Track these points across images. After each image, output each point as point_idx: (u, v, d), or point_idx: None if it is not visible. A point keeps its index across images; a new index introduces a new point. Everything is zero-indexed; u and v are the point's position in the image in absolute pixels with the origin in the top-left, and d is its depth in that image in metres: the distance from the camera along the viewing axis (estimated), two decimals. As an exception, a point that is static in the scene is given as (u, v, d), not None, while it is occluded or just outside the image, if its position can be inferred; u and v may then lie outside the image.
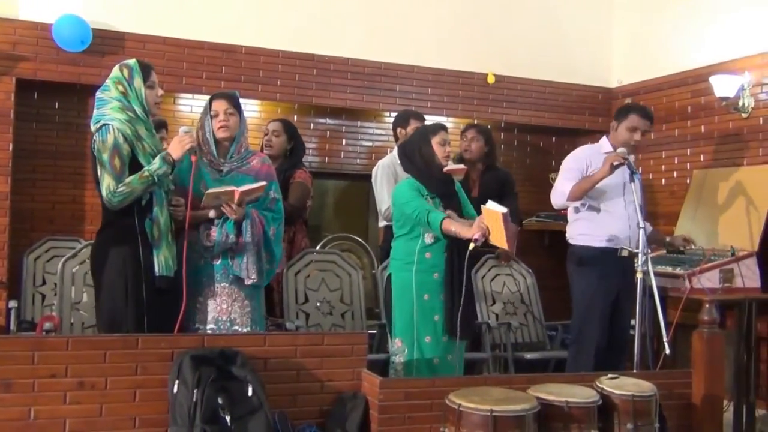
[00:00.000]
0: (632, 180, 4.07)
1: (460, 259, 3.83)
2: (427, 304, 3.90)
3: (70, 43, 5.07)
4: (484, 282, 5.27)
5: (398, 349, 3.92)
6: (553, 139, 6.89)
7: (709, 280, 4.48)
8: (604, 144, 4.47)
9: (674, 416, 3.44)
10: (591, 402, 3.04)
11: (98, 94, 3.47)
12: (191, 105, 5.78)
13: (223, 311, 3.56)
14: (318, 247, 5.47)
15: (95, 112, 3.42)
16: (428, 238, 3.92)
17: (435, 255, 3.91)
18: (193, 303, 3.56)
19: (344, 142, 6.33)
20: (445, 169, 3.99)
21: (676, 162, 6.06)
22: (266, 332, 3.52)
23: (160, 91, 3.56)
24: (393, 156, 5.10)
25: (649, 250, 4.05)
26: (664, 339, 3.80)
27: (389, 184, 4.82)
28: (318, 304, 4.81)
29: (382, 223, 5.11)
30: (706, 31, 5.79)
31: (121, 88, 3.43)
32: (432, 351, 3.88)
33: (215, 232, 3.54)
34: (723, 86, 5.37)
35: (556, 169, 4.97)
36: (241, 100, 3.78)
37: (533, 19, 6.45)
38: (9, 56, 5.04)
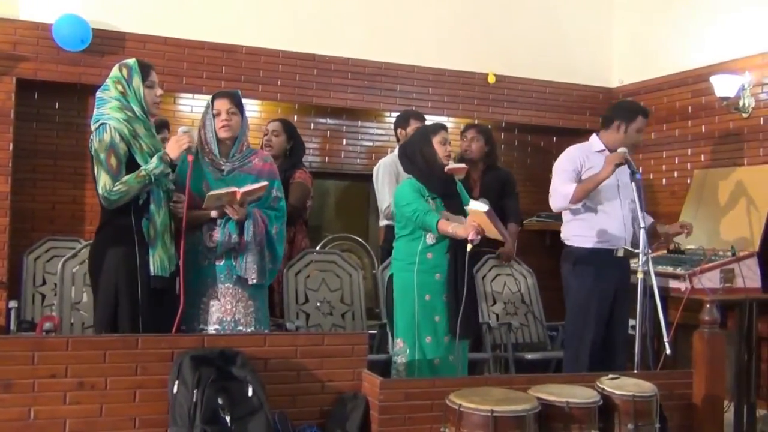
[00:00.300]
0: (633, 180, 4.06)
1: (462, 259, 3.83)
2: (429, 305, 3.90)
3: (70, 42, 5.07)
4: (484, 282, 5.27)
5: (400, 350, 3.92)
6: (554, 139, 6.89)
7: (710, 280, 4.48)
8: (595, 143, 4.42)
9: (675, 416, 3.44)
10: (592, 402, 3.04)
11: (98, 93, 3.48)
12: (192, 105, 5.79)
13: (228, 312, 3.56)
14: (318, 247, 5.47)
15: (95, 111, 3.44)
16: (430, 239, 3.92)
17: (437, 255, 3.91)
18: (197, 304, 3.56)
19: (344, 141, 6.32)
20: (446, 168, 3.99)
21: (676, 162, 6.05)
22: (266, 332, 3.52)
23: (160, 91, 3.56)
24: (395, 155, 5.10)
25: (650, 250, 4.04)
26: (665, 339, 3.79)
27: (391, 182, 4.83)
28: (318, 305, 4.80)
29: (382, 223, 5.11)
30: (707, 31, 5.79)
31: (120, 87, 3.43)
32: (433, 351, 3.88)
33: (218, 233, 3.54)
34: (723, 86, 5.36)
35: (557, 170, 4.94)
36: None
37: (534, 18, 6.44)
38: (9, 56, 5.04)
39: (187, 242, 3.63)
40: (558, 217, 4.54)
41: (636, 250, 4.05)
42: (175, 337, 3.19)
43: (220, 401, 2.89)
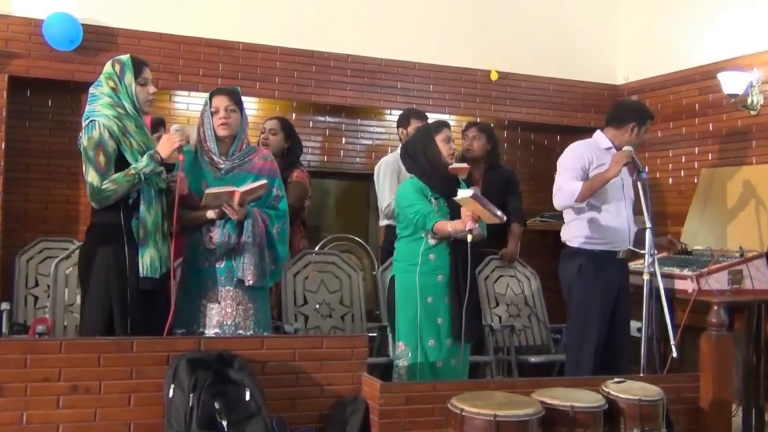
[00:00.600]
0: (639, 179, 4.06)
1: (464, 260, 3.83)
2: (431, 307, 3.90)
3: (59, 42, 5.06)
4: (487, 284, 5.27)
5: (401, 353, 3.92)
6: (558, 137, 6.89)
7: (718, 281, 4.47)
8: (601, 140, 4.39)
9: (682, 421, 3.44)
10: (597, 406, 3.04)
11: (91, 89, 3.48)
12: (187, 102, 5.78)
13: (228, 315, 3.55)
14: (317, 248, 5.47)
15: (87, 107, 3.44)
16: (432, 240, 3.92)
17: (439, 257, 3.92)
18: (197, 307, 3.56)
19: (344, 140, 6.32)
20: (450, 167, 3.99)
21: (683, 161, 6.05)
22: (264, 335, 3.51)
23: (153, 89, 3.55)
24: (396, 153, 5.10)
25: (656, 251, 4.04)
26: (672, 342, 3.79)
27: (392, 181, 4.83)
28: (317, 307, 4.80)
29: (383, 223, 5.11)
30: (714, 27, 5.79)
31: (111, 83, 3.43)
32: (436, 354, 3.88)
33: (218, 234, 3.53)
34: (731, 83, 5.36)
35: (561, 168, 4.94)
36: (240, 97, 3.78)
37: (537, 14, 6.44)
38: (1, 53, 5.04)
39: (187, 243, 3.63)
40: (562, 218, 4.53)
41: (642, 251, 4.05)
42: (170, 339, 3.19)
43: (216, 405, 2.89)
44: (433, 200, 3.94)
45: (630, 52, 6.64)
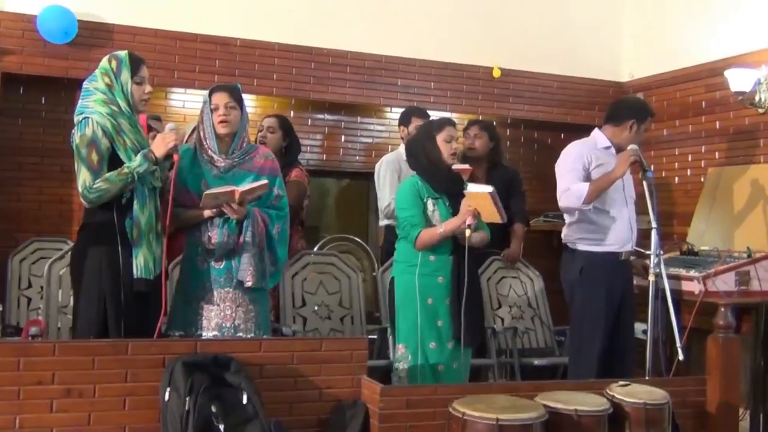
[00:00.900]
0: (644, 178, 4.06)
1: (465, 262, 3.83)
2: (431, 309, 3.90)
3: (55, 35, 5.07)
4: (489, 285, 5.27)
5: (401, 356, 3.92)
6: (562, 135, 6.88)
7: (725, 282, 4.47)
8: (600, 138, 4.37)
9: (688, 425, 3.44)
10: (601, 410, 3.04)
11: (85, 84, 3.46)
12: (183, 100, 5.79)
13: (227, 318, 3.54)
14: (316, 249, 5.47)
15: (79, 102, 3.42)
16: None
17: (439, 258, 3.91)
18: (193, 308, 3.55)
19: (343, 138, 6.32)
20: (452, 167, 3.98)
21: (689, 159, 6.06)
22: (262, 337, 3.52)
23: (149, 88, 3.54)
24: (397, 152, 5.11)
25: (662, 252, 4.04)
26: (678, 344, 3.79)
27: (393, 180, 4.83)
28: (316, 308, 4.80)
29: (383, 222, 5.11)
30: (722, 23, 5.79)
31: (107, 79, 3.42)
32: (437, 358, 3.88)
33: (217, 234, 3.53)
34: (739, 80, 5.36)
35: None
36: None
37: (540, 9, 6.45)
38: (-7, 49, 5.05)
39: (186, 243, 3.63)
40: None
41: (648, 252, 4.06)
42: (166, 342, 3.20)
43: (213, 409, 2.89)
44: (430, 201, 3.92)
45: (635, 49, 6.64)
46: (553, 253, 6.37)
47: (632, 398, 3.14)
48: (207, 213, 3.51)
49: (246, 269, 3.52)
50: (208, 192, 3.43)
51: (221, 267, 3.56)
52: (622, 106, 4.54)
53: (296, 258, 4.81)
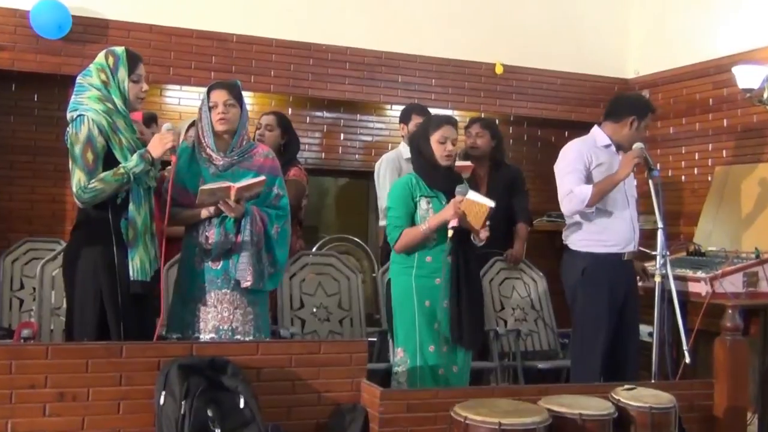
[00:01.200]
0: (650, 177, 4.06)
1: (465, 263, 3.83)
2: (429, 311, 3.87)
3: (48, 29, 5.07)
4: (492, 286, 5.27)
5: (400, 360, 3.91)
6: (566, 133, 6.87)
7: (732, 284, 4.47)
8: (600, 136, 4.35)
9: (695, 429, 3.44)
10: (606, 414, 3.04)
11: (78, 78, 3.45)
12: (179, 97, 5.79)
13: (225, 320, 3.54)
14: (314, 249, 5.47)
15: (72, 98, 3.41)
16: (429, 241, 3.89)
17: (436, 259, 3.88)
18: (190, 310, 3.55)
19: (342, 136, 6.32)
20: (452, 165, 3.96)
21: (696, 158, 6.06)
22: (259, 340, 3.51)
23: (145, 86, 3.54)
24: (398, 150, 5.11)
25: (668, 253, 4.05)
26: (684, 347, 3.80)
27: (393, 179, 4.83)
28: (314, 310, 4.80)
29: (383, 222, 5.09)
30: (729, 19, 5.79)
31: (103, 76, 3.41)
32: (436, 360, 3.86)
33: (214, 234, 3.52)
34: (746, 77, 5.36)
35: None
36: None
37: (544, 4, 6.45)
38: (-15, 45, 5.05)
39: (183, 244, 3.62)
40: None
41: (653, 252, 4.06)
42: (161, 344, 3.19)
43: (209, 413, 2.89)
44: (425, 200, 3.88)
45: (641, 45, 6.64)
46: (557, 254, 6.35)
47: (638, 402, 3.14)
48: (205, 213, 3.51)
49: (244, 269, 3.51)
50: (203, 188, 3.42)
51: (218, 267, 3.55)
52: (621, 102, 4.51)
53: (294, 259, 4.81)
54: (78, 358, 2.98)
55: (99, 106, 3.35)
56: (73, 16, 5.14)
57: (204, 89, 3.72)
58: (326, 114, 6.28)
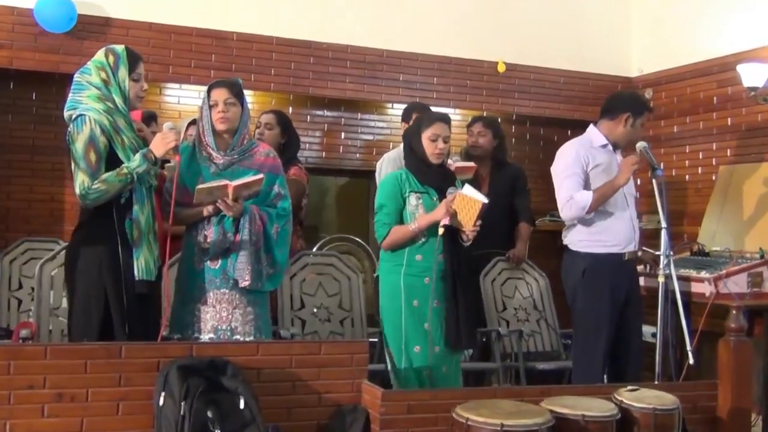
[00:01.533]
0: (654, 176, 4.06)
1: (457, 263, 3.81)
2: (417, 311, 3.82)
3: (56, 22, 5.04)
4: (494, 286, 5.27)
5: (389, 360, 3.88)
6: (569, 132, 6.87)
7: (737, 284, 4.47)
8: (596, 136, 4.34)
9: (699, 431, 3.44)
10: (609, 416, 3.04)
11: (76, 76, 3.44)
12: (179, 96, 5.79)
13: (223, 320, 3.54)
14: (315, 249, 5.47)
15: (70, 96, 3.40)
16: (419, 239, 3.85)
17: (427, 258, 3.83)
18: (189, 310, 3.56)
19: (343, 135, 6.33)
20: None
21: (700, 157, 6.06)
22: (259, 341, 3.52)
23: (145, 85, 3.54)
24: (399, 149, 5.09)
25: (672, 253, 4.05)
26: (688, 348, 3.79)
27: (394, 179, 4.83)
28: (315, 311, 4.80)
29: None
30: (733, 16, 5.79)
31: (103, 74, 3.40)
32: (422, 361, 3.80)
33: (213, 233, 3.53)
34: (751, 75, 5.36)
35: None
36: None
37: (547, 3, 6.45)
38: (-17, 43, 5.06)
39: (183, 244, 3.63)
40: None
41: (657, 252, 4.06)
42: (161, 345, 3.20)
43: (209, 414, 2.89)
44: (414, 196, 3.84)
45: (645, 43, 6.64)
46: (559, 254, 6.32)
47: (641, 403, 3.14)
48: (205, 213, 3.51)
49: (242, 269, 3.51)
50: (200, 186, 3.41)
51: (217, 267, 3.55)
52: (616, 99, 4.51)
53: (295, 259, 4.81)
54: (77, 358, 2.99)
55: (99, 106, 3.35)
56: (74, 11, 5.16)
57: (204, 88, 3.73)
58: (327, 113, 6.29)
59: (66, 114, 3.38)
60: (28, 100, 5.52)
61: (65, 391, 2.96)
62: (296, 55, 5.75)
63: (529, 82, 6.41)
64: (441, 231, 3.72)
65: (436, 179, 3.89)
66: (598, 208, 4.20)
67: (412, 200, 3.86)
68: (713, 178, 5.82)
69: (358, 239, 5.90)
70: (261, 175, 3.54)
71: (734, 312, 3.62)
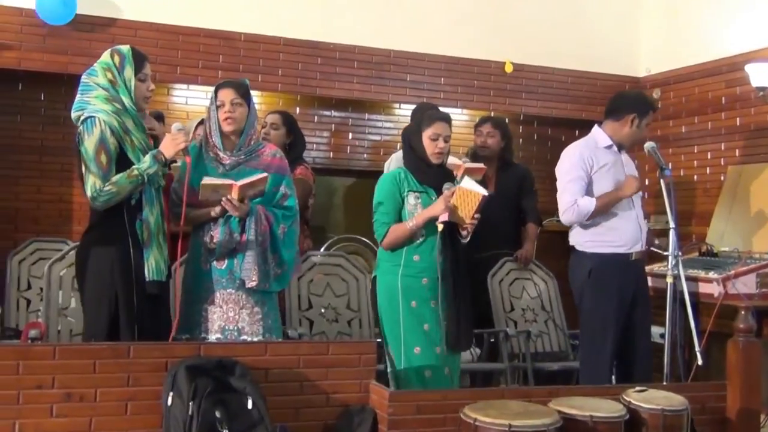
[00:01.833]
0: (662, 176, 4.06)
1: (456, 263, 3.79)
2: (416, 312, 3.80)
3: (57, 14, 5.03)
4: (501, 287, 5.26)
5: (388, 361, 3.86)
6: (576, 132, 6.85)
7: (745, 284, 4.46)
8: (601, 137, 4.34)
9: (707, 432, 3.44)
10: (617, 417, 3.03)
11: (84, 78, 3.44)
12: (186, 96, 5.80)
13: (230, 320, 3.55)
14: (322, 250, 5.48)
15: (78, 97, 3.41)
16: (417, 238, 3.83)
17: (424, 258, 3.81)
18: (197, 310, 3.56)
19: (351, 136, 6.33)
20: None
21: (709, 157, 6.04)
22: (267, 341, 3.52)
23: (152, 85, 3.54)
24: (406, 149, 5.10)
25: (680, 253, 4.04)
26: (697, 348, 3.79)
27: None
28: (323, 311, 4.81)
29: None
30: (742, 16, 5.77)
31: (109, 75, 3.41)
32: (422, 363, 3.78)
33: (219, 233, 3.53)
34: (760, 75, 5.35)
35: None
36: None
37: (554, 3, 6.44)
38: (-9, 45, 5.08)
39: (190, 244, 3.63)
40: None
41: (665, 253, 4.05)
42: (169, 345, 3.20)
43: (217, 414, 2.90)
44: (413, 195, 3.82)
45: (652, 43, 6.63)
46: (567, 254, 6.34)
47: (649, 404, 3.14)
48: (213, 213, 3.52)
49: (249, 269, 3.52)
50: (205, 182, 3.41)
51: (223, 267, 3.57)
52: (622, 99, 4.49)
53: (302, 259, 4.81)
54: (85, 358, 3.00)
55: (108, 107, 3.36)
56: (80, 15, 5.16)
57: (211, 88, 3.74)
58: (334, 113, 6.29)
59: (74, 115, 3.39)
60: (37, 101, 5.53)
61: (74, 391, 2.97)
62: (303, 55, 5.75)
63: (536, 82, 6.40)
64: (440, 227, 3.69)
65: (436, 179, 3.85)
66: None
67: (411, 200, 3.83)
68: (722, 178, 5.80)
69: (365, 239, 5.90)
70: (265, 174, 3.54)
71: (743, 312, 3.61)
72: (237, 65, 5.56)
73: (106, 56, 3.46)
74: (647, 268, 4.53)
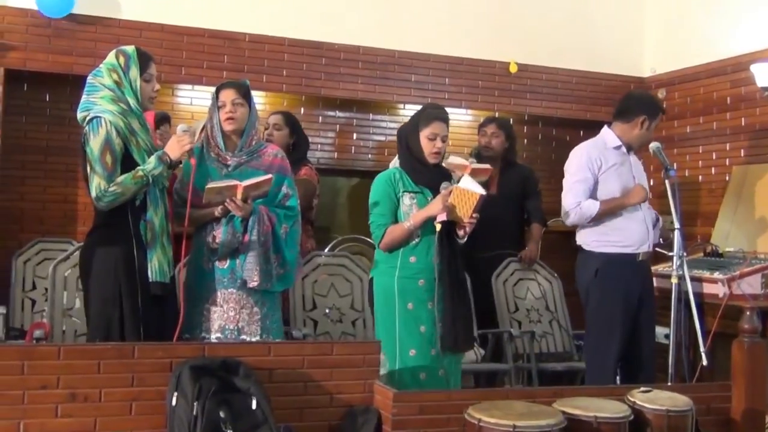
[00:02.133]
0: (667, 177, 4.05)
1: (453, 264, 3.77)
2: (412, 314, 3.76)
3: (58, 5, 5.03)
4: (506, 287, 5.26)
5: (382, 363, 3.83)
6: (581, 132, 6.85)
7: (750, 285, 4.45)
8: (610, 137, 4.35)
9: (712, 433, 3.43)
10: (622, 417, 3.02)
11: (89, 78, 3.46)
12: (191, 97, 5.81)
13: (230, 319, 3.56)
14: (326, 250, 5.48)
15: (84, 98, 3.41)
16: (414, 239, 3.79)
17: (421, 260, 3.76)
18: (199, 310, 3.57)
19: (355, 136, 6.33)
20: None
21: (714, 157, 6.03)
22: (271, 341, 3.52)
23: (157, 86, 3.55)
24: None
25: (685, 253, 4.03)
26: (701, 349, 3.78)
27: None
28: (327, 311, 4.81)
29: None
30: (747, 15, 5.76)
31: (115, 76, 3.42)
32: (417, 365, 3.74)
33: (221, 233, 3.54)
34: (765, 75, 5.34)
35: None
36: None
37: (559, 3, 6.43)
38: (-4, 45, 5.09)
39: (192, 244, 3.64)
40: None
41: (670, 253, 4.04)
42: (173, 345, 3.20)
43: (221, 414, 2.90)
44: (408, 195, 3.78)
45: (657, 43, 6.62)
46: (572, 254, 6.32)
47: (654, 405, 3.13)
48: (216, 213, 3.52)
49: (251, 269, 3.53)
50: (209, 185, 3.42)
51: (225, 266, 3.57)
52: (631, 101, 4.49)
53: (306, 259, 4.82)
54: (90, 358, 3.00)
55: (113, 107, 3.36)
56: (85, 16, 5.18)
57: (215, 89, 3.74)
58: (339, 114, 6.29)
59: (80, 115, 3.39)
60: (42, 101, 5.55)
61: (78, 391, 2.97)
62: (308, 56, 5.76)
63: (540, 82, 6.40)
64: (438, 227, 3.66)
65: (432, 179, 3.80)
66: None
67: (406, 200, 3.78)
68: (726, 178, 5.79)
69: (369, 240, 5.86)
70: (270, 176, 3.55)
71: (748, 313, 3.59)
72: (241, 66, 5.57)
73: (111, 57, 3.47)
74: (652, 269, 4.52)
